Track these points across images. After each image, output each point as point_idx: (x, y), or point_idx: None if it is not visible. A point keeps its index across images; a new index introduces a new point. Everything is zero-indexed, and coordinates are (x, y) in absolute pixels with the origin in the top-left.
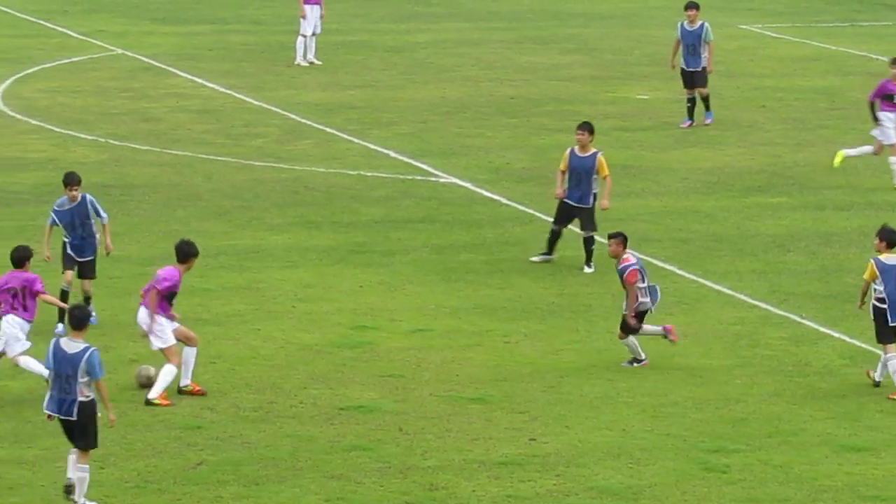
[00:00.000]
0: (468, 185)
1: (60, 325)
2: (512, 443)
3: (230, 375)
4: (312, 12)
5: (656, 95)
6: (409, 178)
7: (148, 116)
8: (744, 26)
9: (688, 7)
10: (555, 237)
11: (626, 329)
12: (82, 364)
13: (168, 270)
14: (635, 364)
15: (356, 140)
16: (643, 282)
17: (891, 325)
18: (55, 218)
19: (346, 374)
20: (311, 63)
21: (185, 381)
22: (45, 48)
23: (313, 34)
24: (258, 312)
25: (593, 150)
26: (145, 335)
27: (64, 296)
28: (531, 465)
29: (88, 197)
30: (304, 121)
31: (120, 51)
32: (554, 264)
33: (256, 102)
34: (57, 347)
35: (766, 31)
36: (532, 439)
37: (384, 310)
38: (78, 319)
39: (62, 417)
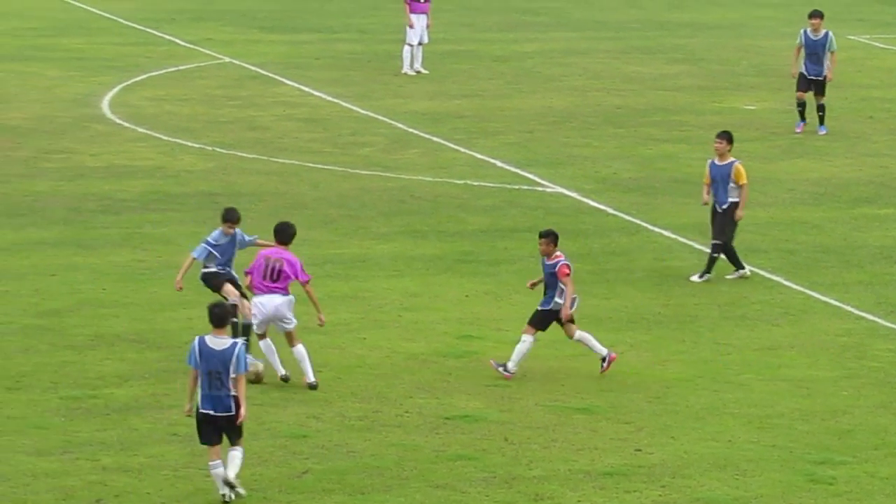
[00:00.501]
0: (574, 194)
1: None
2: (617, 453)
3: (336, 384)
4: (419, 21)
5: (763, 106)
6: (516, 187)
7: (255, 125)
8: (852, 37)
9: (812, 15)
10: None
11: (536, 323)
12: (233, 359)
13: (291, 257)
14: (500, 370)
15: (463, 149)
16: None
17: None
18: (210, 252)
19: (452, 383)
20: (418, 72)
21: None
22: (152, 56)
23: (420, 43)
24: (364, 321)
25: (731, 158)
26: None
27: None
28: (637, 475)
29: (239, 233)
30: (410, 130)
31: (227, 59)
32: (660, 274)
33: (363, 111)
34: (203, 345)
35: (874, 41)
36: (637, 450)
37: (490, 319)
38: (219, 317)
39: (218, 414)
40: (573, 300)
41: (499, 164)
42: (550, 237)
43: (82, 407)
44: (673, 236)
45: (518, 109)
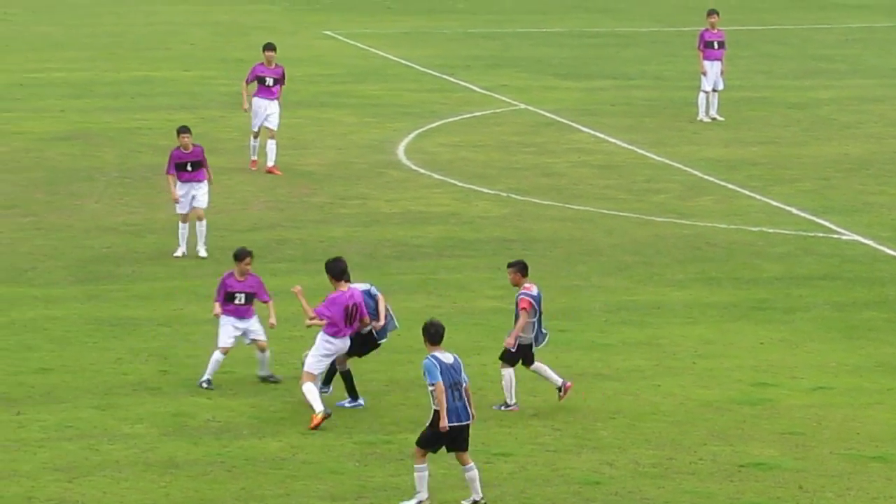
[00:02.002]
0: (870, 242)
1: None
2: None
3: (630, 431)
4: (712, 68)
5: None
6: (811, 235)
7: (550, 171)
8: None
9: None
10: None
11: (507, 359)
12: (462, 369)
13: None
14: (503, 408)
15: (758, 196)
16: (533, 316)
17: None
18: None
19: (746, 430)
20: (714, 119)
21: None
22: (447, 102)
23: (714, 90)
24: (658, 368)
25: None
26: None
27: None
28: None
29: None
30: (705, 177)
31: (522, 105)
32: None
33: (658, 158)
34: (439, 361)
35: None
36: None
37: (784, 367)
38: (438, 334)
39: (465, 423)
40: (527, 335)
41: (794, 211)
42: (517, 266)
43: (376, 452)
44: None
45: (813, 157)
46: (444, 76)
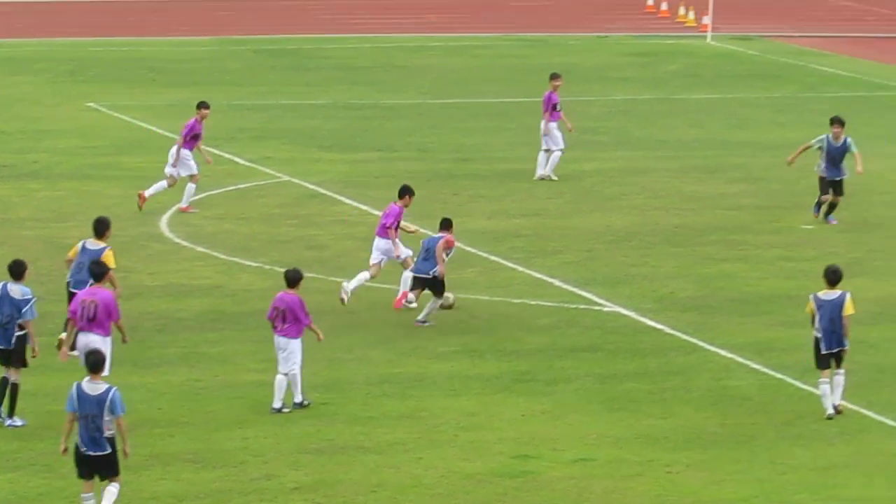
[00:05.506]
0: (632, 314)
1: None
2: None
3: None
4: (556, 129)
5: (821, 226)
6: (574, 306)
7: (313, 244)
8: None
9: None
10: None
11: None
12: (107, 403)
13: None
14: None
15: (521, 268)
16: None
17: None
18: None
19: (508, 503)
20: (549, 177)
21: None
22: (212, 175)
23: (548, 150)
24: (420, 441)
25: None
26: None
27: None
28: None
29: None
30: (469, 249)
31: (286, 178)
32: (717, 394)
33: (423, 230)
34: (79, 390)
35: None
36: None
37: (547, 439)
38: (94, 364)
39: (93, 454)
40: None
41: (557, 283)
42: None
43: None
44: (730, 356)
45: (577, 228)
46: (209, 148)
